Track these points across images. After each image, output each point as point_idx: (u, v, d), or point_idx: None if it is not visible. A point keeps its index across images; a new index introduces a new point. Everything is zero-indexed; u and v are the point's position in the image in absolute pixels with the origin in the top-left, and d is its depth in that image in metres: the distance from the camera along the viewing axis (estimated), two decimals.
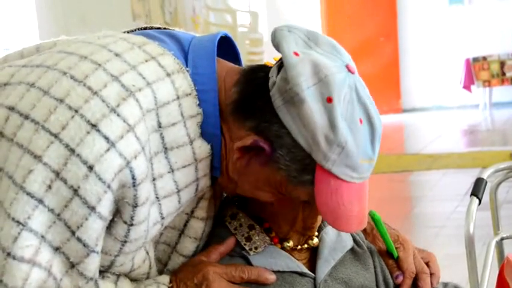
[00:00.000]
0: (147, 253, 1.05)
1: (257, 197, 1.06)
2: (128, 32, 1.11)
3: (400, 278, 1.19)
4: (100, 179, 0.91)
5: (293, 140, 0.98)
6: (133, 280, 1.04)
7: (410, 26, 10.85)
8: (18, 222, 0.89)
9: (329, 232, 1.18)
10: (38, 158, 0.90)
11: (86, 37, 1.06)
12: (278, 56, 1.04)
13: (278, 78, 0.99)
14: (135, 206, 0.95)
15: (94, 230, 0.92)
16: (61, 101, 0.92)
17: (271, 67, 1.04)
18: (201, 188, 1.05)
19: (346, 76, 0.99)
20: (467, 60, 9.86)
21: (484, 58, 9.82)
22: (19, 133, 0.92)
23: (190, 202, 1.07)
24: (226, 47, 1.11)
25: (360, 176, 1.01)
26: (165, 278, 1.05)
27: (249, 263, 1.10)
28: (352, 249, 1.19)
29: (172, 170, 0.99)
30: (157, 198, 0.99)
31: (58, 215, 0.91)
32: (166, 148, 0.98)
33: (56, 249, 0.92)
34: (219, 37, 1.06)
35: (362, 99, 1.00)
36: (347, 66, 1.00)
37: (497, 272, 1.79)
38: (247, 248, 1.11)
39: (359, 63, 1.06)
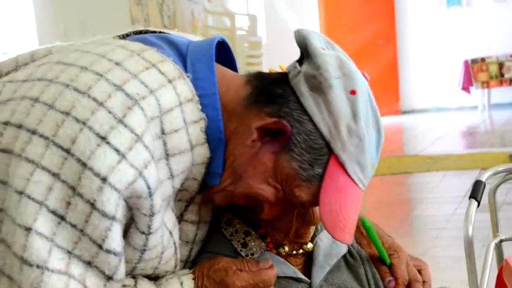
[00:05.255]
0: (175, 253, 1.05)
1: (257, 194, 1.04)
2: (124, 36, 1.11)
3: (392, 284, 1.19)
4: (115, 189, 0.91)
5: (314, 127, 1.00)
6: (153, 278, 1.04)
7: (408, 28, 10.87)
8: (46, 238, 0.90)
9: (324, 239, 1.18)
10: (56, 175, 0.91)
11: (83, 45, 1.06)
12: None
13: (304, 67, 1.02)
14: (152, 215, 0.96)
15: (118, 235, 0.93)
16: (67, 113, 0.92)
17: (275, 73, 1.07)
18: (184, 187, 1.04)
19: (363, 79, 1.04)
20: (466, 62, 9.87)
21: (483, 59, 9.83)
22: (28, 148, 0.92)
23: (178, 206, 1.07)
24: (222, 52, 1.11)
25: (364, 179, 1.02)
26: (189, 285, 1.04)
27: None
28: (345, 258, 1.20)
29: (172, 176, 0.99)
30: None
31: (81, 230, 0.92)
32: (167, 154, 0.98)
33: (88, 263, 0.93)
34: (216, 41, 1.06)
35: (373, 104, 1.04)
36: (362, 73, 1.05)
37: (496, 274, 1.80)
38: (243, 254, 1.11)
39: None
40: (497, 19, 10.34)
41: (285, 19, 10.32)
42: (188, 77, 1.01)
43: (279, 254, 1.14)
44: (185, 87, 1.00)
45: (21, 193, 0.91)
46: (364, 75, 1.06)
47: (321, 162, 1.01)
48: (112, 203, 0.91)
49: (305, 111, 1.00)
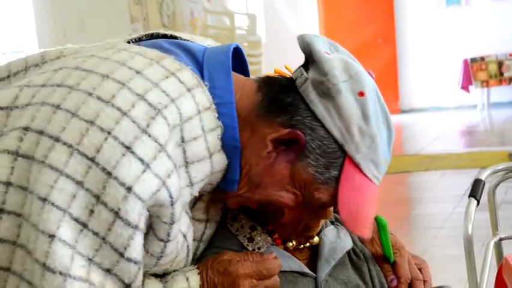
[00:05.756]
0: (187, 255, 1.06)
1: (277, 201, 1.05)
2: (135, 40, 1.11)
3: (394, 282, 1.20)
4: (139, 198, 0.92)
5: (326, 132, 1.02)
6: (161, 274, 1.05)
7: (407, 27, 10.87)
8: (69, 245, 0.91)
9: (328, 234, 1.20)
10: (79, 183, 0.91)
11: (97, 49, 1.06)
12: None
13: (310, 73, 1.04)
14: (172, 223, 0.97)
15: (139, 245, 0.94)
16: (92, 122, 0.93)
17: (283, 76, 1.09)
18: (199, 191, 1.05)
19: (370, 78, 1.06)
20: (465, 61, 9.87)
21: (482, 58, 9.83)
22: (51, 155, 0.92)
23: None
24: (235, 57, 1.11)
25: (379, 175, 1.05)
26: (195, 278, 1.04)
27: None
28: (349, 256, 1.21)
29: (191, 184, 1.00)
30: None
31: (103, 238, 0.92)
32: (187, 162, 0.99)
33: (107, 271, 0.93)
34: (232, 49, 1.08)
35: (381, 102, 1.06)
36: (367, 71, 1.07)
37: (496, 273, 1.80)
38: (250, 248, 1.12)
39: None
40: (497, 18, 10.34)
41: (285, 18, 10.32)
42: (206, 85, 1.02)
43: (286, 248, 1.15)
44: (203, 96, 1.01)
45: (44, 200, 0.91)
46: (370, 74, 1.07)
47: (337, 165, 1.03)
48: (136, 213, 0.92)
49: (316, 118, 1.02)
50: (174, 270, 1.05)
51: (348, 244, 1.20)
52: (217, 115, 1.02)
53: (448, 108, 10.59)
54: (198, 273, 1.04)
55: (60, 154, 0.92)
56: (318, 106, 1.02)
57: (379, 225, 1.20)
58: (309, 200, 1.05)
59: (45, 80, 1.01)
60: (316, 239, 1.18)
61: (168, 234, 0.97)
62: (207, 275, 1.04)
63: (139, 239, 0.93)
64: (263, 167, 1.04)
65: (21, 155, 0.94)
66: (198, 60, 1.06)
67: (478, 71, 9.82)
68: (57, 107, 0.95)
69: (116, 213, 0.91)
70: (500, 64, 9.80)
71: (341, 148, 1.02)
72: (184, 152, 0.98)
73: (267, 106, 1.04)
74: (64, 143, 0.92)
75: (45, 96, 0.97)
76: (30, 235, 0.92)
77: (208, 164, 1.01)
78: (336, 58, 1.04)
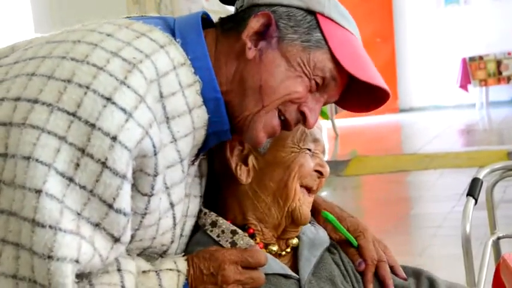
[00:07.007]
0: (173, 227, 1.07)
1: (288, 93, 1.05)
2: None
3: (362, 265, 1.20)
4: (125, 147, 0.92)
5: (286, 6, 1.06)
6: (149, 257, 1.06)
7: (406, 26, 10.88)
8: (57, 199, 0.90)
9: (306, 231, 1.20)
10: (62, 138, 0.91)
11: (68, 29, 1.08)
12: None
13: None
14: (155, 175, 0.98)
15: (128, 195, 0.94)
16: (69, 81, 0.93)
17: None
18: (190, 156, 1.07)
19: None
20: (464, 60, 9.88)
21: (481, 57, 9.84)
22: (31, 116, 0.92)
23: None
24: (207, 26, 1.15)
25: (353, 26, 1.09)
26: (183, 263, 1.06)
27: None
28: (330, 251, 1.21)
29: (175, 140, 1.01)
30: None
31: (91, 191, 0.92)
32: (167, 118, 1.00)
33: (96, 225, 0.93)
34: (201, 13, 1.12)
35: None
36: None
37: (493, 271, 1.80)
38: None
39: None
40: (495, 17, 10.35)
41: None
42: (178, 42, 1.04)
43: (269, 252, 1.15)
44: (177, 53, 1.02)
45: (28, 158, 0.91)
46: None
47: (314, 26, 1.06)
48: (123, 162, 0.92)
49: (270, 4, 1.06)
50: (164, 246, 1.06)
51: (326, 239, 1.21)
52: (193, 70, 1.03)
53: (447, 107, 10.60)
54: (185, 260, 1.06)
55: (40, 114, 0.92)
56: None
57: (328, 220, 1.21)
58: (316, 74, 1.06)
59: (17, 57, 1.02)
60: (295, 240, 1.18)
61: (152, 187, 0.98)
62: (193, 261, 1.06)
63: (127, 188, 0.93)
64: (256, 68, 1.05)
65: None
66: (169, 25, 1.08)
67: (476, 70, 9.83)
68: (32, 74, 0.96)
69: (104, 163, 0.91)
70: (498, 63, 9.81)
71: (308, 10, 1.06)
72: (164, 108, 0.99)
73: (225, 25, 1.08)
74: (43, 103, 0.93)
75: (19, 70, 0.98)
76: (14, 197, 0.91)
77: (189, 118, 1.03)
78: None
